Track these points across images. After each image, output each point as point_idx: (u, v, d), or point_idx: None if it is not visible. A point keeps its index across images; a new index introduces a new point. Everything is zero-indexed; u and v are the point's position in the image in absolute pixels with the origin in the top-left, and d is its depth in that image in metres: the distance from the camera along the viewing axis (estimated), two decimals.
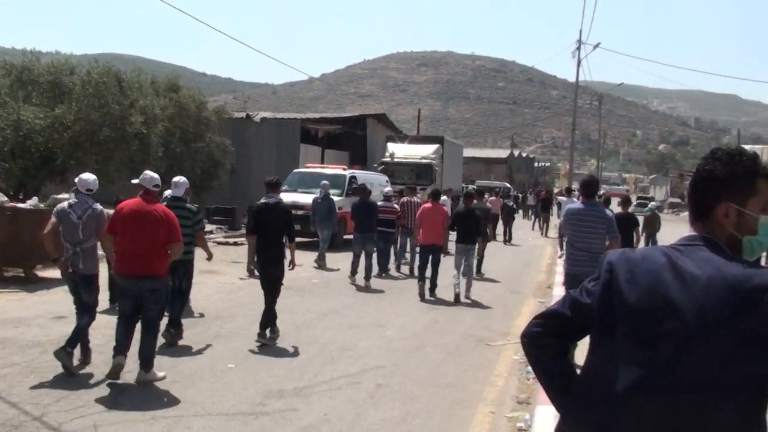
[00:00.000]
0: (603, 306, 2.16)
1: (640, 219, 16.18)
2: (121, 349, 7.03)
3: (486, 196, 21.24)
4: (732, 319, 1.91)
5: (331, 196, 17.67)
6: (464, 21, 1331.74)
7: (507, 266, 18.32)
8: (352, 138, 37.17)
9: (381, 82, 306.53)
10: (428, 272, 13.07)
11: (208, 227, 18.73)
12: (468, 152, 59.97)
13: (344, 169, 22.89)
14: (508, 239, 26.29)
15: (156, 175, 7.46)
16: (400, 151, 31.73)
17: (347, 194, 20.10)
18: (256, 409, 6.38)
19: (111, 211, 7.95)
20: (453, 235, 13.37)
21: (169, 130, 21.34)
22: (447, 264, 13.55)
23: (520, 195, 49.90)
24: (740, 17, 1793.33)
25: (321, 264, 16.21)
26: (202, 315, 10.35)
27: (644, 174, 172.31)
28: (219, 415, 6.20)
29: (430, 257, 13.04)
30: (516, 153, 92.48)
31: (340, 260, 16.28)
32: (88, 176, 7.82)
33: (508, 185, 53.80)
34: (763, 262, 2.26)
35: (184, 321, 9.04)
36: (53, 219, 7.61)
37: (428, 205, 13.69)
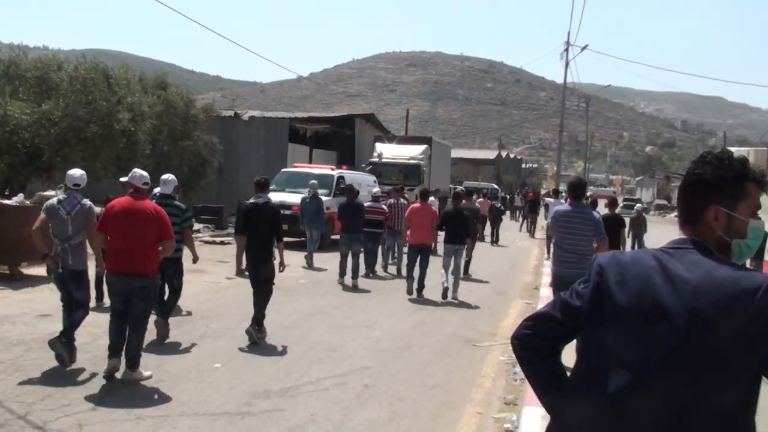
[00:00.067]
0: (593, 308, 2.17)
1: (627, 220, 16.26)
2: (115, 350, 7.03)
3: (474, 197, 21.27)
4: (722, 322, 1.92)
5: (320, 196, 17.66)
6: (453, 21, 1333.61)
7: (494, 267, 18.35)
8: (340, 138, 37.15)
9: (369, 81, 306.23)
10: (417, 272, 13.07)
11: (196, 226, 18.66)
12: (456, 153, 60.03)
13: (332, 169, 22.86)
14: (495, 240, 26.34)
15: (145, 173, 7.45)
16: (388, 151, 31.76)
17: (335, 194, 20.07)
18: (243, 410, 6.36)
19: (99, 208, 7.95)
20: (441, 236, 13.39)
21: (156, 127, 21.27)
22: (435, 264, 13.56)
23: (508, 196, 49.98)
24: (726, 20, 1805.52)
25: (309, 263, 16.20)
26: (189, 313, 10.32)
27: (631, 176, 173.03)
28: (205, 415, 6.18)
29: (419, 257, 13.05)
30: (504, 154, 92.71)
31: (328, 260, 16.26)
32: (75, 171, 7.83)
33: (496, 186, 53.95)
34: (747, 265, 2.27)
35: (171, 319, 9.01)
36: (42, 215, 7.59)
37: (417, 204, 13.73)
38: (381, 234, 15.89)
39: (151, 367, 7.32)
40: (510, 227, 33.33)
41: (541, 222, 29.77)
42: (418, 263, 13.06)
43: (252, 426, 5.99)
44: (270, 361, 8.09)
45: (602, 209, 14.70)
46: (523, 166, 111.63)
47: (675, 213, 58.29)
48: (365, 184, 22.11)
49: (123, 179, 7.81)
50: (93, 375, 7.11)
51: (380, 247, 16.37)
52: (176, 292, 9.30)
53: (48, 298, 10.39)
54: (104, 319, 8.51)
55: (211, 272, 14.17)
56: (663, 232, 22.49)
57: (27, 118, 16.51)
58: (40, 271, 12.20)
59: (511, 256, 22.37)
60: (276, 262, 9.20)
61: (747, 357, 1.92)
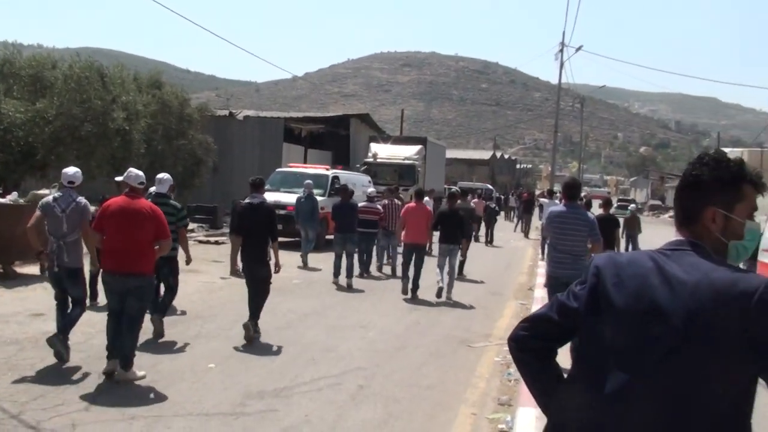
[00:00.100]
0: (590, 310, 2.17)
1: (621, 221, 16.28)
2: (113, 350, 7.04)
3: (469, 197, 21.27)
4: (719, 324, 1.92)
5: (315, 196, 17.67)
6: (448, 22, 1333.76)
7: (489, 268, 18.35)
8: (335, 138, 37.14)
9: (364, 81, 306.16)
10: (411, 272, 13.06)
11: (190, 226, 18.64)
12: (450, 153, 60.01)
13: (327, 169, 22.84)
14: (489, 241, 26.37)
15: (141, 173, 7.47)
16: (383, 151, 31.74)
17: (330, 194, 20.05)
18: (237, 410, 6.34)
19: (93, 207, 7.95)
20: (437, 236, 13.40)
21: (151, 126, 21.23)
22: (430, 264, 13.55)
23: (502, 197, 50.01)
24: (720, 21, 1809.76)
25: (305, 263, 16.21)
26: (184, 312, 10.30)
27: (625, 176, 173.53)
28: (199, 415, 6.16)
29: (413, 256, 13.05)
30: (498, 154, 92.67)
31: (322, 260, 16.24)
32: (70, 168, 7.92)
33: (490, 187, 53.94)
34: (741, 266, 2.27)
35: (165, 319, 9.00)
36: (37, 212, 7.65)
37: (412, 204, 13.75)
38: (376, 234, 15.87)
39: (145, 366, 7.30)
40: (504, 228, 33.36)
41: (536, 222, 29.82)
42: (412, 263, 13.06)
43: (246, 426, 5.97)
44: (264, 362, 8.07)
45: (596, 210, 14.72)
46: (518, 166, 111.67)
47: (669, 214, 58.12)
48: (360, 184, 22.10)
49: (118, 179, 7.84)
50: (87, 374, 7.09)
51: (375, 247, 16.35)
52: (172, 289, 9.30)
53: (41, 297, 10.36)
54: (98, 318, 8.52)
55: (205, 272, 14.15)
56: (657, 232, 22.56)
57: (21, 117, 16.46)
58: (34, 270, 12.18)
59: (506, 257, 22.38)
60: (271, 263, 9.22)
61: (744, 359, 1.93)
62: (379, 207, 15.99)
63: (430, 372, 8.12)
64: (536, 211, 32.32)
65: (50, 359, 7.44)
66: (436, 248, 13.61)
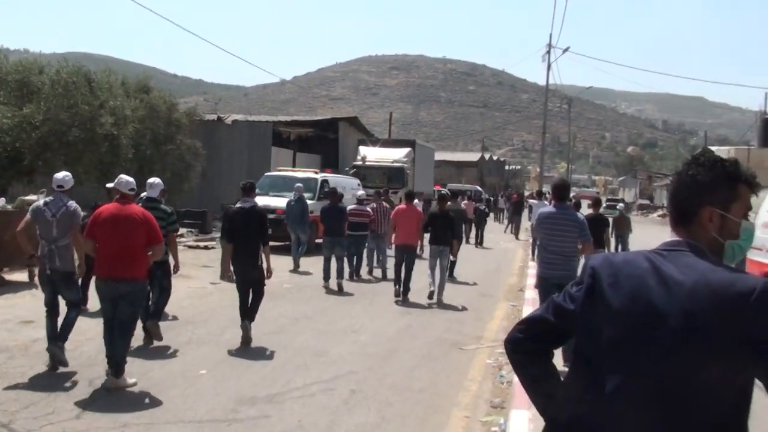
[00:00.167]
0: (586, 311, 2.17)
1: (610, 221, 16.33)
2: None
3: (459, 198, 21.31)
4: (716, 325, 1.92)
5: (305, 199, 17.67)
6: (435, 25, 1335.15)
7: (479, 269, 18.36)
8: (323, 141, 37.15)
9: (353, 85, 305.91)
10: (402, 274, 13.06)
11: (179, 231, 18.58)
12: (439, 155, 60.06)
13: (316, 173, 22.83)
14: (479, 242, 26.40)
15: (131, 179, 7.48)
16: (372, 154, 31.78)
17: (319, 198, 20.02)
18: (229, 416, 6.32)
19: (83, 213, 7.93)
20: (427, 238, 13.41)
21: (139, 131, 21.13)
22: (421, 267, 13.55)
23: (491, 198, 50.10)
24: (707, 21, 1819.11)
25: (297, 265, 16.23)
26: (175, 318, 10.26)
27: (613, 176, 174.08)
28: (191, 422, 6.13)
29: (404, 258, 13.06)
30: (487, 156, 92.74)
31: (312, 264, 16.22)
32: (60, 173, 7.95)
33: (479, 188, 54.04)
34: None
35: None
36: (28, 216, 7.71)
37: (403, 206, 13.77)
38: (366, 237, 15.87)
39: (136, 373, 7.26)
40: (494, 229, 33.40)
41: (525, 224, 29.88)
42: (403, 265, 13.07)
43: None
44: (256, 367, 8.04)
45: (586, 210, 14.75)
46: (507, 167, 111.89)
47: (658, 213, 58.25)
48: (349, 187, 22.10)
49: (110, 185, 7.87)
50: (77, 382, 7.05)
51: (365, 250, 16.35)
52: (166, 291, 9.26)
53: (30, 304, 10.29)
54: (87, 325, 8.48)
55: (195, 277, 14.10)
56: (648, 232, 22.63)
57: (8, 122, 16.35)
58: (22, 276, 12.11)
59: (496, 259, 22.40)
60: (264, 266, 9.23)
61: (741, 359, 1.93)
62: (369, 210, 16.00)
63: (422, 375, 8.11)
64: (525, 212, 32.38)
65: (40, 367, 7.40)
66: (426, 250, 13.61)
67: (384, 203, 17.14)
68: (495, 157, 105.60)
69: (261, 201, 15.66)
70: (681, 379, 1.96)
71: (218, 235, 13.93)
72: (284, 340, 9.40)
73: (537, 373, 2.35)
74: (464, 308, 12.69)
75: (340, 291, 13.69)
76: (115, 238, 6.95)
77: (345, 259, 14.71)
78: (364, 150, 32.52)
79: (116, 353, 6.93)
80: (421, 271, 13.47)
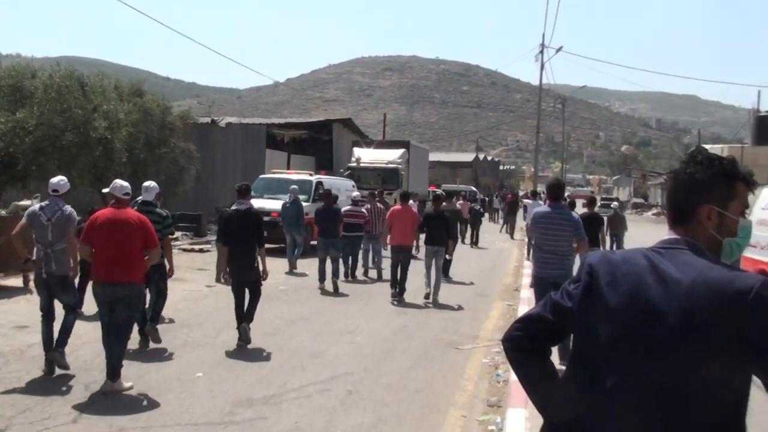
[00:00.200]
0: (584, 309, 2.17)
1: (605, 219, 16.36)
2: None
3: (454, 199, 21.33)
4: (715, 323, 1.92)
5: (301, 201, 17.69)
6: (428, 25, 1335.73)
7: (474, 269, 18.37)
8: (318, 143, 37.13)
9: (346, 86, 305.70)
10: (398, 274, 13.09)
11: (174, 234, 18.56)
12: (433, 156, 60.11)
13: (310, 175, 22.84)
14: (474, 242, 26.41)
15: (126, 184, 7.52)
16: (367, 156, 31.82)
17: (314, 200, 20.03)
18: (226, 419, 6.31)
19: (78, 217, 7.95)
20: (423, 239, 13.43)
21: (133, 135, 21.07)
22: (416, 267, 13.55)
23: (486, 198, 50.12)
24: (699, 19, 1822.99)
25: (294, 267, 16.24)
26: (171, 321, 10.26)
27: (608, 175, 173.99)
28: (188, 425, 6.13)
29: (400, 258, 13.08)
30: (481, 156, 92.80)
31: (308, 266, 16.21)
32: (55, 178, 7.98)
33: (474, 189, 54.07)
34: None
35: None
36: (23, 220, 7.77)
37: (398, 207, 13.79)
38: (361, 237, 15.90)
39: (132, 377, 7.25)
40: (489, 229, 33.41)
41: (520, 223, 29.89)
42: (399, 265, 13.08)
43: None
44: (252, 369, 8.04)
45: (581, 210, 14.77)
46: (501, 168, 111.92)
47: (652, 211, 58.41)
48: (344, 189, 22.12)
49: (105, 190, 7.93)
50: (73, 386, 7.04)
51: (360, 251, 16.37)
52: (162, 294, 9.28)
53: (25, 310, 10.28)
54: (82, 329, 8.47)
55: (190, 280, 14.09)
56: (642, 231, 22.66)
57: (1, 127, 16.28)
58: (17, 282, 12.07)
59: (491, 258, 22.42)
60: (259, 268, 9.24)
61: (740, 357, 1.93)
62: (364, 210, 16.03)
63: (418, 375, 8.11)
64: (520, 212, 32.41)
65: (36, 372, 7.39)
66: (422, 251, 13.62)
67: (378, 204, 17.16)
68: (489, 158, 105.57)
69: (256, 204, 15.64)
70: (679, 377, 1.96)
71: (213, 238, 13.95)
72: (280, 341, 9.40)
73: (535, 372, 2.35)
74: (460, 308, 12.71)
75: (336, 291, 13.70)
76: (112, 242, 6.98)
77: (340, 260, 14.73)
78: (358, 151, 32.55)
79: (113, 357, 6.93)
80: (416, 271, 13.48)
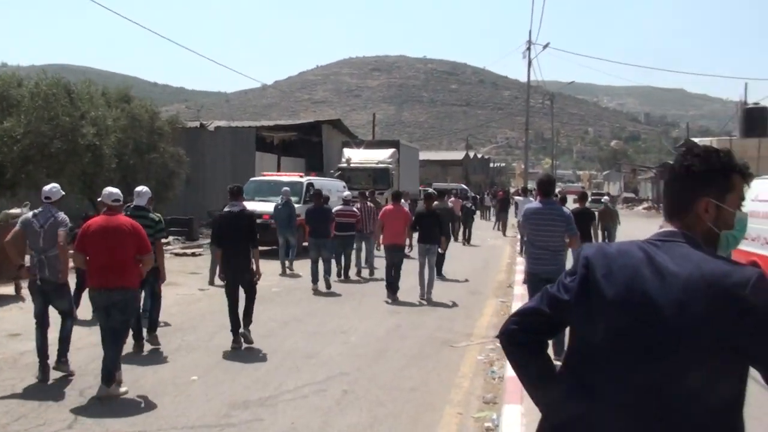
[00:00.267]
0: (581, 301, 2.16)
1: (596, 214, 16.41)
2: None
3: (446, 197, 21.37)
4: (712, 316, 1.92)
5: (292, 203, 17.68)
6: (415, 25, 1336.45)
7: (467, 267, 18.39)
8: (307, 145, 37.12)
9: (334, 87, 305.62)
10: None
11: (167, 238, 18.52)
12: (424, 155, 60.20)
13: (301, 176, 22.83)
14: (467, 240, 26.44)
15: (115, 190, 7.55)
16: (357, 156, 31.85)
17: (305, 201, 20.02)
18: (222, 421, 6.30)
19: (70, 224, 7.95)
20: (416, 237, 13.46)
21: (121, 141, 20.99)
22: (409, 266, 13.56)
23: (478, 196, 50.20)
24: (685, 13, 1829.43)
25: (291, 269, 16.22)
26: (167, 323, 10.24)
27: (598, 170, 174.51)
28: (184, 428, 6.12)
29: (393, 257, 13.10)
30: (471, 154, 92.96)
31: (300, 267, 16.20)
32: (48, 185, 8.00)
33: (465, 187, 54.13)
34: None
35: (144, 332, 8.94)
36: (17, 227, 7.80)
37: (390, 206, 13.82)
38: (353, 237, 15.92)
39: (127, 381, 7.23)
40: (481, 226, 33.45)
41: (512, 220, 29.95)
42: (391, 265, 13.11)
43: None
44: (247, 371, 8.03)
45: (572, 205, 14.80)
46: (491, 165, 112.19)
47: (643, 205, 58.53)
48: (335, 190, 22.09)
49: (100, 199, 8.02)
50: (68, 393, 7.02)
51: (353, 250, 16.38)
52: (158, 298, 9.30)
53: (17, 317, 10.24)
54: (77, 335, 8.41)
55: (183, 284, 14.07)
56: (633, 225, 22.72)
57: None
58: (8, 290, 12.01)
59: (484, 256, 22.44)
60: (253, 269, 9.27)
61: (737, 350, 1.93)
62: (356, 209, 16.05)
63: (413, 374, 8.12)
64: (512, 209, 32.47)
65: (30, 379, 7.37)
66: (415, 249, 13.64)
67: (369, 203, 17.19)
68: (479, 155, 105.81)
69: (247, 206, 15.69)
70: (677, 371, 1.95)
71: (205, 241, 13.92)
72: (274, 343, 9.39)
73: (532, 365, 2.34)
74: (454, 305, 12.73)
75: (329, 289, 13.73)
76: (105, 249, 7.01)
77: (333, 260, 14.75)
78: (348, 152, 32.57)
79: (108, 361, 6.93)
80: (409, 270, 13.49)
